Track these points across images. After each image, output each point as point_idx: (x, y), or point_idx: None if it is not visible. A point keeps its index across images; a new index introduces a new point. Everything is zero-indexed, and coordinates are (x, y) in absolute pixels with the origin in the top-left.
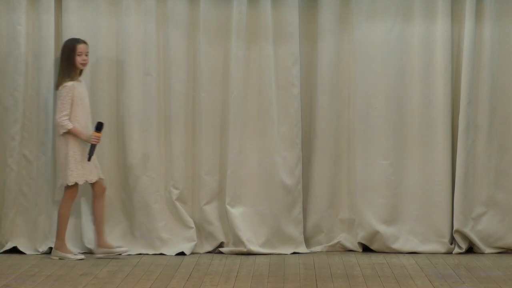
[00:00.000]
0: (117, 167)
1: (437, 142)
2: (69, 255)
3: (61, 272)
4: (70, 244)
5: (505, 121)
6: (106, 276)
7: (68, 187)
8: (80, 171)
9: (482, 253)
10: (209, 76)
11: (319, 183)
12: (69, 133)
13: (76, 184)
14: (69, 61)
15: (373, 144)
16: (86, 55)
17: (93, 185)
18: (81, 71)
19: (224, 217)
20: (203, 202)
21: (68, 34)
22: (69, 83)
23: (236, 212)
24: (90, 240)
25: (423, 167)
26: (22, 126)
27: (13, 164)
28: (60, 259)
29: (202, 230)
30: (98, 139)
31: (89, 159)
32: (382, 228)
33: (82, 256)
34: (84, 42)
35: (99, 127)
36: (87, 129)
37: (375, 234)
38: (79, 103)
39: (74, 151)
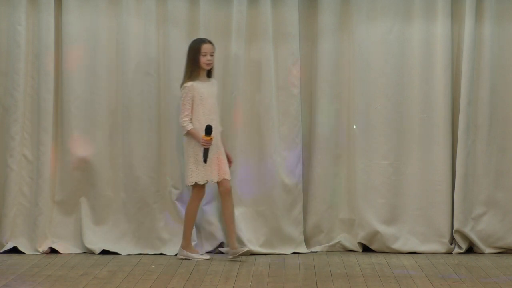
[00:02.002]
0: (117, 167)
1: (437, 142)
2: (195, 255)
3: (61, 272)
4: (70, 244)
5: (505, 121)
6: (106, 276)
7: (194, 187)
8: (201, 172)
9: (482, 253)
10: None
11: (319, 183)
12: (188, 134)
13: (202, 184)
14: (193, 62)
15: (373, 144)
16: (211, 55)
17: (218, 185)
18: (209, 70)
19: None
20: (203, 202)
21: (68, 34)
22: (189, 84)
23: (236, 212)
24: (90, 240)
25: (423, 167)
26: (22, 126)
27: (13, 164)
28: (185, 258)
29: (202, 230)
30: (207, 143)
31: (204, 161)
32: (382, 228)
33: (208, 257)
34: (210, 42)
35: (206, 130)
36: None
37: (375, 234)
38: (199, 103)
39: (195, 151)
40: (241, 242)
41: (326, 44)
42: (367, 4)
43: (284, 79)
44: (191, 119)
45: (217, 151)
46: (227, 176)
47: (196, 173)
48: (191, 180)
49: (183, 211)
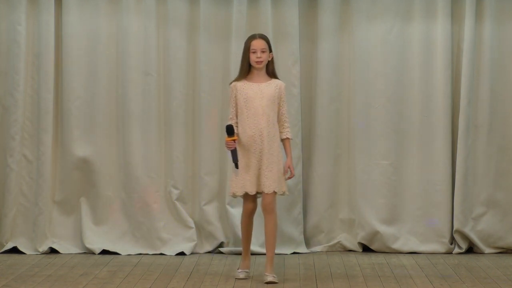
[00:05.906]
0: (117, 167)
1: (437, 142)
2: (238, 273)
3: (61, 272)
4: (70, 244)
5: (505, 121)
6: (106, 276)
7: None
8: (240, 182)
9: (482, 253)
10: (209, 76)
11: (319, 183)
12: None
13: (246, 195)
14: (244, 60)
15: (373, 144)
16: (263, 52)
17: (261, 198)
18: (269, 69)
19: (224, 217)
20: (203, 202)
21: (68, 34)
22: (232, 84)
23: (236, 212)
24: (90, 240)
25: (423, 167)
26: (22, 126)
27: (13, 164)
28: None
29: (202, 230)
30: (229, 144)
31: (236, 166)
32: (382, 228)
33: (243, 276)
34: (262, 38)
35: (227, 130)
36: (256, 134)
37: (375, 234)
38: (243, 105)
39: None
40: (241, 242)
41: (326, 44)
42: (367, 4)
43: (284, 79)
44: (237, 122)
45: (259, 159)
46: (267, 190)
47: (235, 183)
48: (230, 191)
49: (183, 211)
